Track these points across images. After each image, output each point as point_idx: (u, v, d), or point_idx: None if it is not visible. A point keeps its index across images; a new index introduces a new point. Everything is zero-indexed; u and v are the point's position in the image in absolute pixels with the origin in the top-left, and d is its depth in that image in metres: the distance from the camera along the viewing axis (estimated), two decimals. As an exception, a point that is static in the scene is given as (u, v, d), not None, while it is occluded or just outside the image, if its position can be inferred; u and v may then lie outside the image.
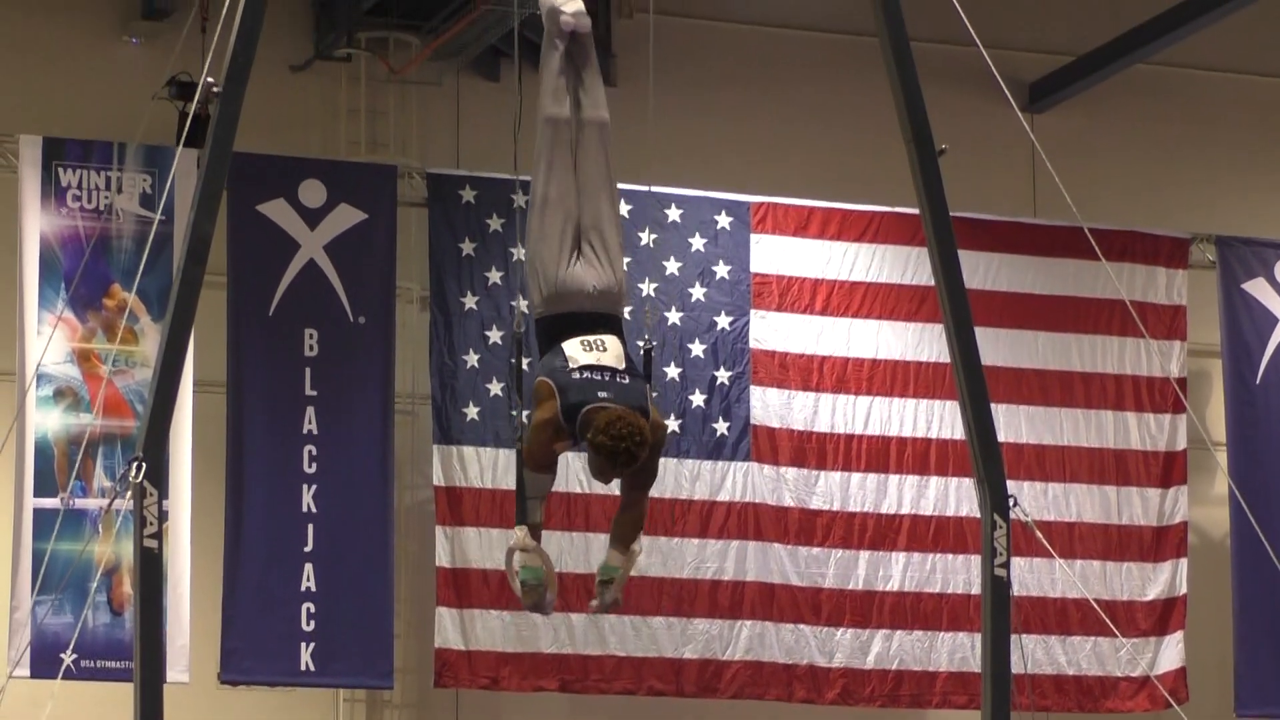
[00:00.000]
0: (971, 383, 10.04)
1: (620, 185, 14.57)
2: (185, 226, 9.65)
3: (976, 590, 12.37)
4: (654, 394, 9.00)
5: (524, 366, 9.24)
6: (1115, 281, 14.88)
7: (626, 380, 8.76)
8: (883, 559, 14.97)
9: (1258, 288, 15.78)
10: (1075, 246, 14.85)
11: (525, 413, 9.08)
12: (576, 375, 8.68)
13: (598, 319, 8.88)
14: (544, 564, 8.96)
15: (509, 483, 14.03)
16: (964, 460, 14.27)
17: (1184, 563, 15.44)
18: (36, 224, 13.75)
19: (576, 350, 8.75)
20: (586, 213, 9.01)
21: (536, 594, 8.98)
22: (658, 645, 14.51)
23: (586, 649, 14.38)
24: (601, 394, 8.66)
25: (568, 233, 8.94)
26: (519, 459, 8.93)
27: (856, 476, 14.99)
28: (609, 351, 8.78)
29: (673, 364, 14.68)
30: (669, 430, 14.45)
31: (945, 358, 13.45)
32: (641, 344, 9.35)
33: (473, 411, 14.34)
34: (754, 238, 15.00)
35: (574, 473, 14.18)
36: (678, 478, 14.52)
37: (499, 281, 14.48)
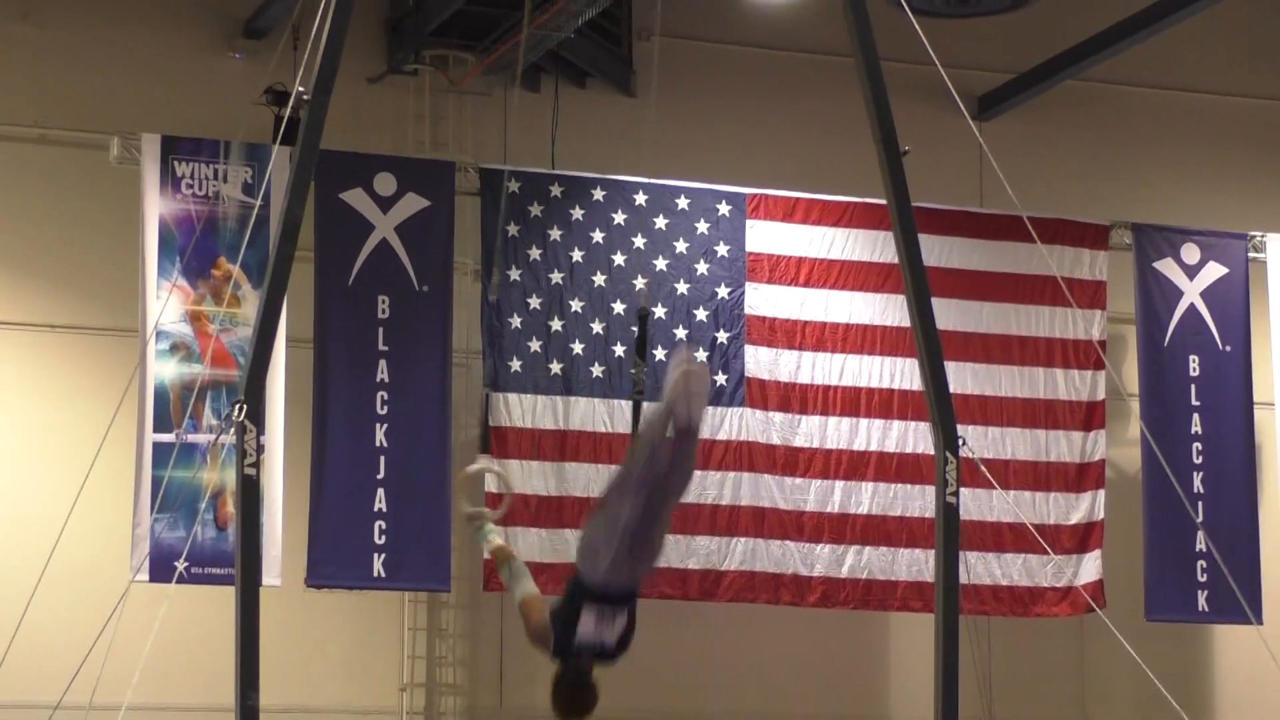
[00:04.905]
0: (928, 343, 10.07)
1: (637, 179, 14.72)
2: (280, 210, 9.70)
3: (931, 514, 12.36)
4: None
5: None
6: (1048, 260, 14.84)
7: (613, 646, 8.37)
8: (854, 488, 14.95)
9: (1167, 266, 15.74)
10: (1015, 231, 14.84)
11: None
12: (575, 642, 8.30)
13: (620, 595, 8.62)
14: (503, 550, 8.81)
15: (546, 423, 14.12)
16: (921, 407, 14.21)
17: (1102, 493, 15.43)
18: (156, 208, 13.75)
19: (590, 620, 8.35)
20: (645, 534, 8.34)
21: (474, 525, 8.87)
22: (666, 558, 14.44)
23: (608, 560, 14.38)
24: (583, 669, 8.30)
25: (625, 544, 8.47)
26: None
27: (833, 420, 14.98)
28: (614, 628, 8.40)
29: (681, 326, 14.67)
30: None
31: (906, 323, 13.45)
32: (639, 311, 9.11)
33: (516, 364, 14.34)
34: (749, 223, 14.98)
35: (600, 414, 14.19)
36: (684, 420, 14.53)
37: (538, 258, 14.48)
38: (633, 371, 9.28)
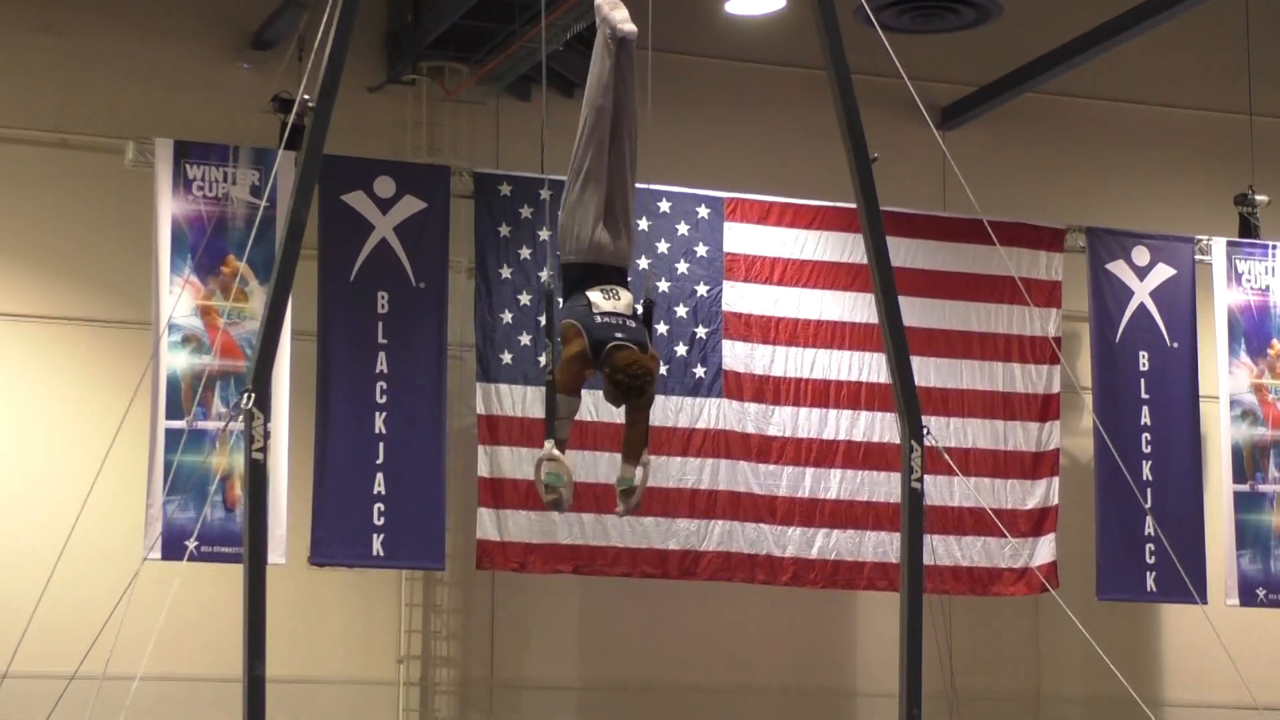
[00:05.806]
0: (895, 339, 10.07)
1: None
2: (285, 211, 9.67)
3: (896, 499, 12.37)
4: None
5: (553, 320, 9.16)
6: (1006, 262, 14.88)
7: (633, 324, 8.78)
8: (824, 474, 14.98)
9: (1118, 267, 15.79)
10: (975, 234, 14.88)
11: (554, 353, 9.03)
12: (598, 319, 8.66)
13: (613, 271, 8.85)
14: (566, 472, 8.89)
15: (536, 412, 14.07)
16: (888, 399, 14.30)
17: (1056, 480, 15.47)
18: (168, 208, 13.76)
19: (598, 297, 8.70)
20: (616, 188, 8.86)
21: (557, 494, 8.91)
22: (649, 539, 14.54)
23: (594, 541, 14.41)
24: (618, 334, 8.67)
25: (599, 201, 8.80)
26: (551, 387, 8.89)
27: (804, 410, 15.00)
28: (622, 300, 8.76)
29: (662, 323, 14.69)
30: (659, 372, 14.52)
31: (874, 319, 13.49)
32: (639, 305, 9.34)
33: (507, 357, 14.36)
34: (727, 225, 15.00)
35: (585, 405, 14.19)
36: (664, 410, 14.54)
37: (528, 257, 14.49)
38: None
